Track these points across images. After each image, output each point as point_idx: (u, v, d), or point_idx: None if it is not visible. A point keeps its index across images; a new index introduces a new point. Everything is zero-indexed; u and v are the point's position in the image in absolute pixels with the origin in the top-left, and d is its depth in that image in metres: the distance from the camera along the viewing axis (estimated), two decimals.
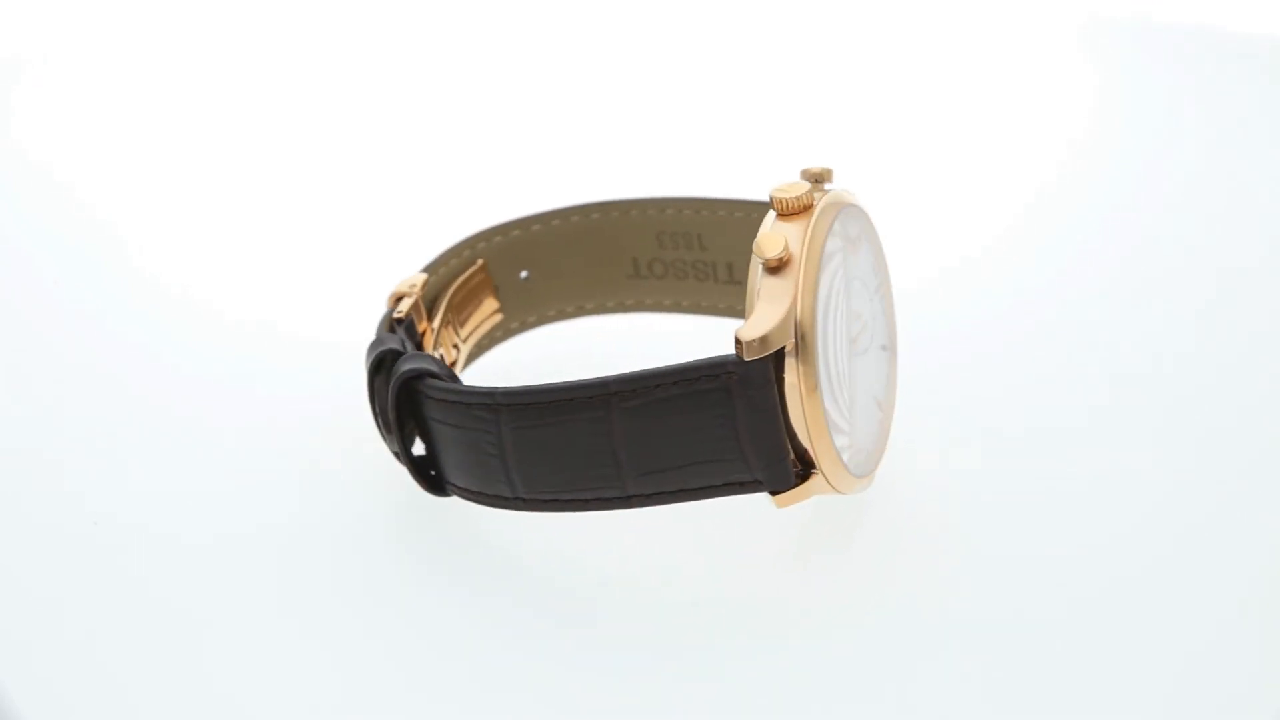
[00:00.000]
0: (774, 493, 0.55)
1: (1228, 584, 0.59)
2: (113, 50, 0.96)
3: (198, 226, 0.82)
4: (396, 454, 0.60)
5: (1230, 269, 0.76)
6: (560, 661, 0.57)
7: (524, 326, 0.69)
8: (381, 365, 0.60)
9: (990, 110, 0.92)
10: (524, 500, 0.57)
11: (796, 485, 0.55)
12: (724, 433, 0.54)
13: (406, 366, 0.58)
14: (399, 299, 0.63)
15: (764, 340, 0.52)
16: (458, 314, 0.66)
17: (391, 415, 0.58)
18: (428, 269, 0.65)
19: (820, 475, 0.54)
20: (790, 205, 0.55)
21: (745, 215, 0.65)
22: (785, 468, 0.54)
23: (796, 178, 0.57)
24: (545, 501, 0.57)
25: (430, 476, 0.59)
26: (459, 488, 0.59)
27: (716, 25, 0.99)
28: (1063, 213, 0.82)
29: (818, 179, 0.57)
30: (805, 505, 0.56)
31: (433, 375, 0.58)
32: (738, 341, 0.52)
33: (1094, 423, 0.66)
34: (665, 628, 0.58)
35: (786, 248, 0.54)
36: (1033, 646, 0.57)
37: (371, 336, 0.63)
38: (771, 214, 0.56)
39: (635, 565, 0.59)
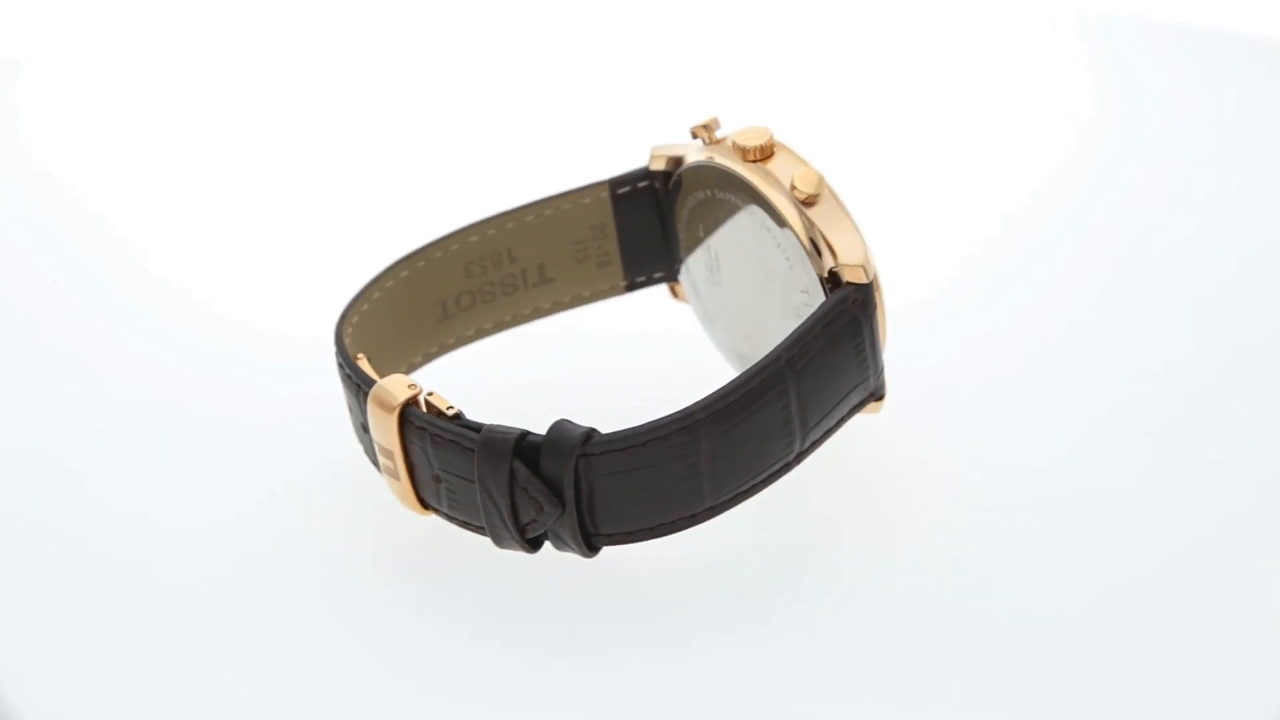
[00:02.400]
0: (879, 398, 0.60)
1: (1229, 585, 0.59)
2: (113, 49, 0.97)
3: (199, 223, 0.83)
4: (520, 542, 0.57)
5: (1231, 270, 0.76)
6: (563, 661, 0.57)
7: None
8: (524, 455, 0.56)
9: (989, 112, 0.92)
10: (711, 508, 0.57)
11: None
12: (860, 357, 0.59)
13: (565, 435, 0.56)
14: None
15: (867, 262, 0.58)
16: None
17: (570, 494, 0.56)
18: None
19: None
20: (766, 150, 0.60)
21: (554, 210, 0.67)
22: (883, 371, 0.60)
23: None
24: (730, 499, 0.58)
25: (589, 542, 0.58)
26: (620, 534, 0.57)
27: (716, 25, 0.99)
28: (1062, 214, 0.82)
29: (707, 128, 0.62)
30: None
31: (593, 431, 0.56)
32: (848, 268, 0.58)
33: (1095, 423, 0.66)
34: (664, 628, 0.58)
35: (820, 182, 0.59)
36: (1033, 646, 0.57)
37: None
38: (756, 165, 0.61)
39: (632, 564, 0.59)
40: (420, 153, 0.84)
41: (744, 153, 0.61)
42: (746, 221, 0.62)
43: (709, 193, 0.63)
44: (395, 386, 0.57)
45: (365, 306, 0.64)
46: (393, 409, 0.56)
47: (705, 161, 0.62)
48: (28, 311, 0.75)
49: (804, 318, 0.58)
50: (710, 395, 0.56)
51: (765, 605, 0.59)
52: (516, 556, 0.58)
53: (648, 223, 0.66)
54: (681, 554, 0.59)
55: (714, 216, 0.63)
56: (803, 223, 0.60)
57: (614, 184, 0.66)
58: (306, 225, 0.82)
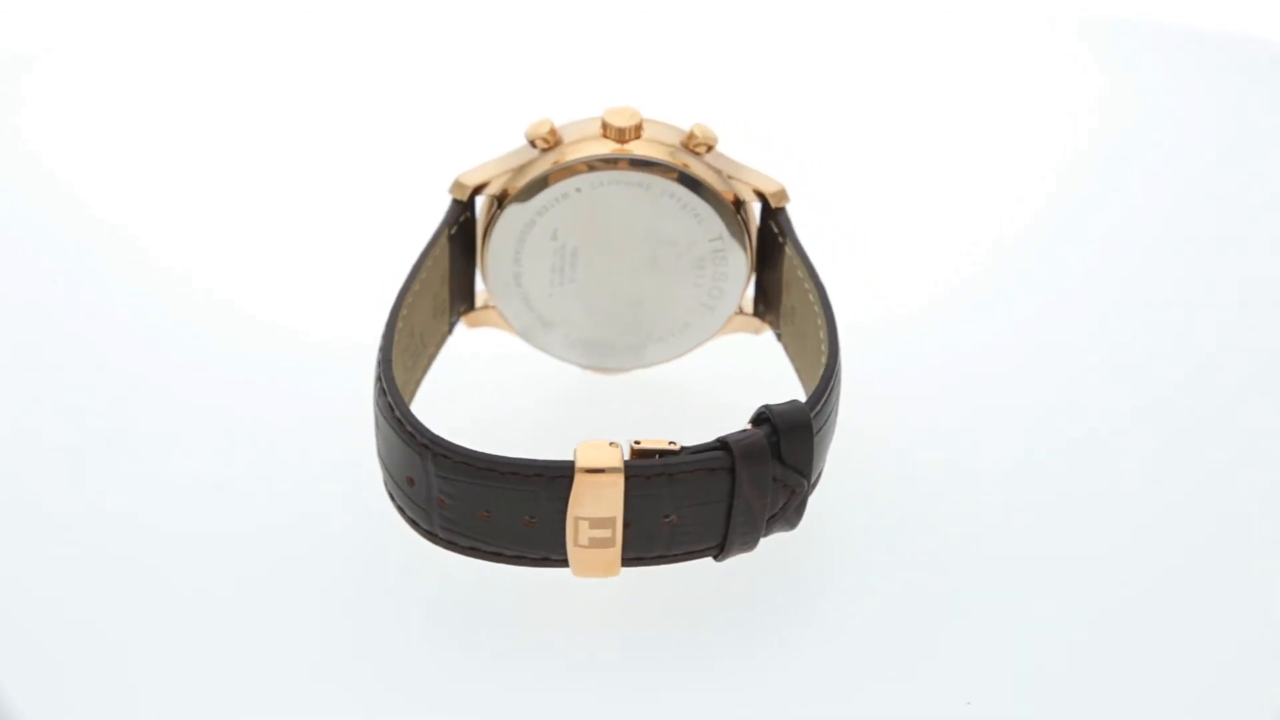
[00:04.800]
0: None
1: (1231, 585, 0.60)
2: (114, 48, 0.96)
3: (211, 222, 0.82)
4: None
5: (1232, 271, 0.77)
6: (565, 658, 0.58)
7: None
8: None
9: (989, 112, 0.92)
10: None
11: None
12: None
13: (799, 415, 0.56)
14: None
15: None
16: None
17: (813, 466, 0.57)
18: None
19: None
20: (640, 127, 0.63)
21: (426, 273, 0.65)
22: None
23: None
24: None
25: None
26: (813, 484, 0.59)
27: (717, 25, 0.99)
28: (1062, 215, 0.82)
29: (552, 133, 0.63)
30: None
31: (804, 403, 0.57)
32: (774, 195, 0.64)
33: (1095, 424, 0.67)
34: (663, 629, 0.59)
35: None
36: (1031, 647, 0.58)
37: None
38: (641, 141, 0.63)
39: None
40: (430, 153, 0.84)
41: (621, 133, 0.62)
42: (631, 200, 0.63)
43: (563, 195, 0.63)
44: (602, 452, 0.55)
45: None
46: (617, 473, 0.54)
47: (569, 163, 0.63)
48: (50, 312, 0.75)
49: (719, 264, 0.64)
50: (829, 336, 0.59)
51: (766, 604, 0.59)
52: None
53: (471, 256, 0.66)
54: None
55: (570, 215, 0.64)
56: (713, 170, 0.63)
57: (447, 224, 0.65)
58: (316, 224, 0.82)
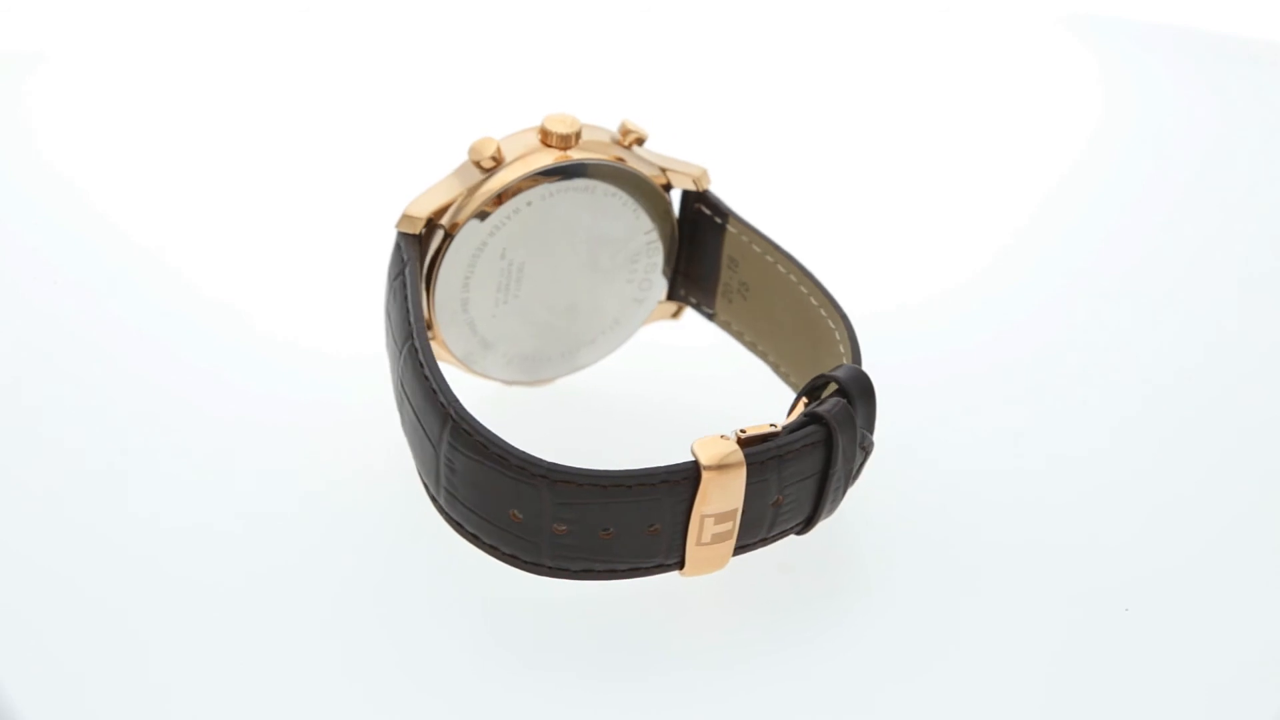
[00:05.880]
0: None
1: (1231, 586, 0.61)
2: (116, 47, 0.96)
3: (214, 227, 0.80)
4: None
5: (1234, 274, 0.78)
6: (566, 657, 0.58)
7: None
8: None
9: (985, 114, 0.92)
10: None
11: None
12: None
13: (862, 378, 0.57)
14: None
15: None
16: None
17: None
18: None
19: None
20: (579, 133, 0.62)
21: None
22: None
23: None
24: None
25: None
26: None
27: (719, 25, 0.99)
28: (1063, 216, 0.83)
29: (495, 158, 0.62)
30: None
31: (851, 364, 0.58)
32: (700, 178, 0.65)
33: (1096, 425, 0.68)
34: (664, 627, 0.59)
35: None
36: (1033, 646, 0.58)
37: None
38: (579, 147, 0.63)
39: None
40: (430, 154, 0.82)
41: (564, 140, 0.63)
42: (577, 205, 0.64)
43: (514, 211, 0.63)
44: (722, 447, 0.54)
45: None
46: (740, 465, 0.54)
47: (522, 178, 0.63)
48: (67, 317, 0.74)
49: (651, 255, 0.65)
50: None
51: (765, 602, 0.60)
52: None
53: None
54: None
55: (520, 230, 0.64)
56: (646, 163, 0.64)
57: (408, 261, 0.63)
58: (315, 224, 0.80)
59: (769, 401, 0.63)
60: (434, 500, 0.58)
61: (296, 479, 0.64)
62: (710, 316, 0.68)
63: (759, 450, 0.55)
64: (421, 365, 0.57)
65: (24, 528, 0.61)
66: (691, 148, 0.71)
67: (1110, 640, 0.58)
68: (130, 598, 0.59)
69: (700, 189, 0.65)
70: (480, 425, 0.55)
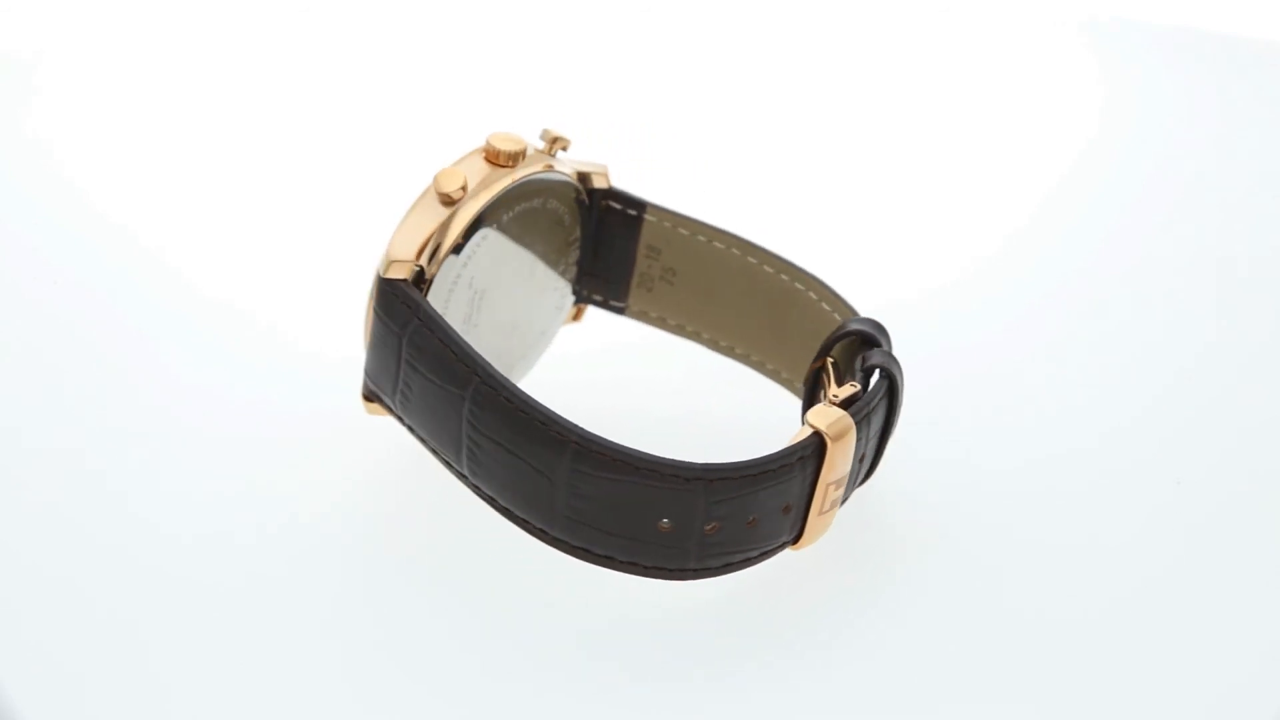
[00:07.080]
0: None
1: (1231, 586, 0.60)
2: (116, 47, 0.96)
3: (214, 227, 0.80)
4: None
5: (1234, 274, 0.78)
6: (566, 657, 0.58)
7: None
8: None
9: (985, 117, 0.92)
10: None
11: None
12: None
13: (878, 327, 0.60)
14: None
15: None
16: None
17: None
18: None
19: None
20: (523, 151, 0.62)
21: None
22: None
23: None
24: None
25: None
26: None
27: (721, 27, 0.99)
28: (1064, 217, 0.83)
29: (462, 187, 0.61)
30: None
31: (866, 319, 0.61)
32: (603, 175, 0.65)
33: (1097, 425, 0.68)
34: (662, 631, 0.58)
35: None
36: (1032, 647, 0.58)
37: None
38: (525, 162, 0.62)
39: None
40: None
41: (513, 158, 0.62)
42: (528, 222, 0.64)
43: (484, 238, 0.63)
44: (834, 413, 0.56)
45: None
46: (851, 427, 0.55)
47: (490, 203, 0.62)
48: (50, 313, 0.74)
49: (571, 259, 0.66)
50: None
51: (765, 601, 0.59)
52: (540, 557, 0.58)
53: None
54: None
55: (485, 257, 0.64)
56: (570, 167, 0.64)
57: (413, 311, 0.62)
58: (314, 224, 0.80)
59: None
60: (542, 534, 0.56)
61: (296, 479, 0.64)
62: (620, 310, 0.68)
63: (856, 409, 0.56)
64: (511, 402, 0.55)
65: (24, 528, 0.61)
66: (691, 148, 0.71)
67: (1110, 641, 0.58)
68: (130, 598, 0.59)
69: (608, 185, 0.66)
70: (614, 444, 0.54)
